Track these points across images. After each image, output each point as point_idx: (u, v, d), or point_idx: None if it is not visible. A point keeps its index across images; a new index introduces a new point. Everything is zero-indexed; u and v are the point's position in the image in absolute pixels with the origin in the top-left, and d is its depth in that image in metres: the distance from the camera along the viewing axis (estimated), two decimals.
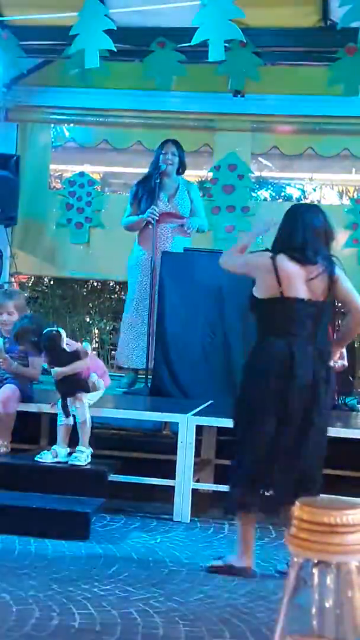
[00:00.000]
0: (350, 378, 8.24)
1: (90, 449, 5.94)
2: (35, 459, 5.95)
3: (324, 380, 4.69)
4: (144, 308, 7.61)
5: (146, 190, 7.73)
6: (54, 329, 6.00)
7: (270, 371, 4.66)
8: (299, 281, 4.66)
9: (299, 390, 4.62)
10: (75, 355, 5.94)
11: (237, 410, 4.89)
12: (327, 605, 0.82)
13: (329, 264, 4.71)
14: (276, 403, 4.64)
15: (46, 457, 5.92)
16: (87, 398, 6.00)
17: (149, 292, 7.52)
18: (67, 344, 5.97)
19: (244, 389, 4.86)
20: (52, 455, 5.93)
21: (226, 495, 4.91)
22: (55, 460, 5.92)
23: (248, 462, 4.71)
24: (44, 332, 5.94)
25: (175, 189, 7.83)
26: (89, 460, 5.92)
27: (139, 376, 7.82)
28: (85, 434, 5.94)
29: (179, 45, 7.87)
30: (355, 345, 8.99)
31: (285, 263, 4.69)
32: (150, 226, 7.60)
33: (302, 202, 5.45)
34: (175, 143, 7.88)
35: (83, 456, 5.86)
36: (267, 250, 4.87)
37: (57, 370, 5.92)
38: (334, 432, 5.87)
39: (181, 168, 7.90)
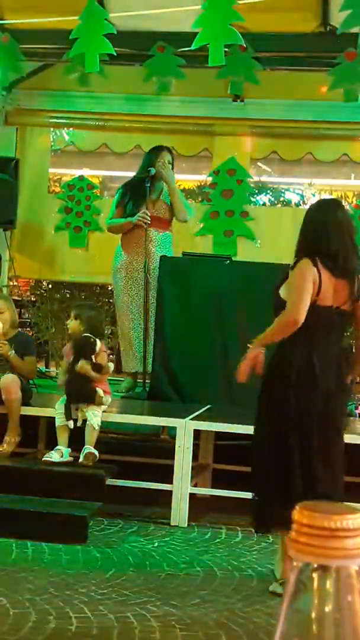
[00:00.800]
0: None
1: (96, 451, 5.98)
2: (44, 458, 5.98)
3: (342, 390, 4.63)
4: (136, 312, 7.60)
5: (133, 194, 7.73)
6: (92, 337, 6.22)
7: (294, 381, 4.49)
8: (330, 288, 4.50)
9: (322, 401, 4.51)
10: (97, 368, 6.15)
11: (266, 423, 4.65)
12: (326, 609, 0.83)
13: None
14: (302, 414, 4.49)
15: (54, 457, 5.95)
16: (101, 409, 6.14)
17: (140, 297, 7.51)
18: (97, 354, 6.17)
19: (269, 402, 4.63)
20: (58, 455, 5.96)
21: (259, 515, 4.64)
22: (62, 459, 5.95)
23: (279, 477, 4.50)
24: (83, 336, 6.22)
25: (159, 193, 7.83)
26: (97, 457, 5.96)
27: (138, 381, 7.83)
28: (93, 438, 6.00)
29: (179, 50, 7.87)
30: (354, 351, 8.99)
31: (324, 271, 4.48)
32: (137, 229, 7.60)
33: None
34: (170, 151, 7.90)
35: (93, 453, 5.91)
36: (302, 254, 4.56)
37: (82, 364, 6.11)
38: None
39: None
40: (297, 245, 4.63)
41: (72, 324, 6.35)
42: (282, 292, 4.57)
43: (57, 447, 6.04)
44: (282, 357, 4.56)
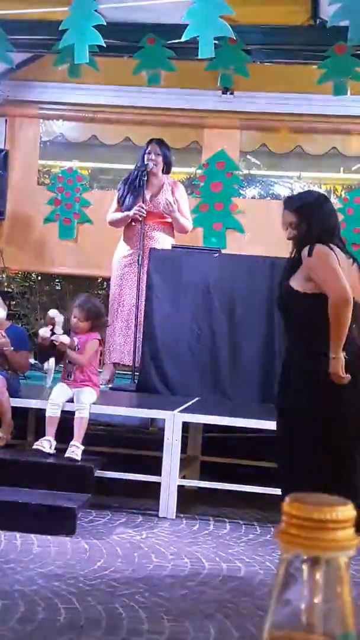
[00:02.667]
0: None
1: (82, 447, 6.00)
2: (35, 447, 6.00)
3: None
4: (129, 305, 7.62)
5: (130, 188, 7.74)
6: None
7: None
8: (349, 277, 4.45)
9: None
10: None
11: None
12: (316, 600, 0.84)
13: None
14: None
15: (45, 446, 5.96)
16: (90, 398, 6.17)
17: (135, 289, 7.53)
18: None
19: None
20: (48, 445, 5.98)
21: None
22: (51, 450, 5.97)
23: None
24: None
25: (159, 187, 7.84)
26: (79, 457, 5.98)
27: (118, 371, 7.89)
28: (82, 430, 6.01)
29: (169, 42, 7.86)
30: None
31: (341, 258, 4.49)
32: (133, 223, 7.63)
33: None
34: (160, 142, 7.89)
35: (79, 451, 5.92)
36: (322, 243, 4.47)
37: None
38: None
39: (166, 167, 7.91)
40: (305, 235, 4.51)
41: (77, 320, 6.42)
42: (296, 283, 4.42)
43: (46, 437, 6.05)
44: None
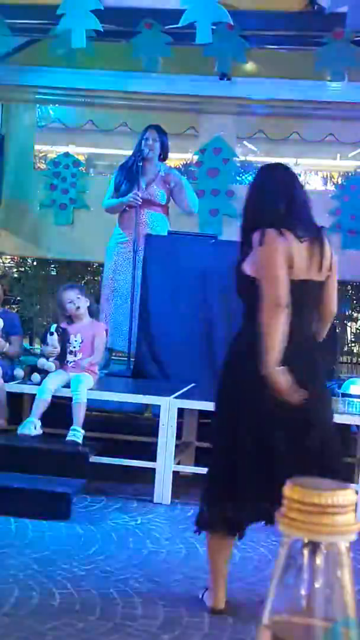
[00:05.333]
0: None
1: (83, 431, 6.01)
2: (19, 431, 5.99)
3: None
4: (124, 290, 7.62)
5: (126, 175, 7.73)
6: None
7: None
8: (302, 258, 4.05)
9: None
10: None
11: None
12: (316, 585, 0.84)
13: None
14: None
15: (29, 429, 5.97)
16: (87, 383, 6.21)
17: (129, 275, 7.52)
18: None
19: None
20: (33, 427, 5.99)
21: None
22: (37, 432, 5.99)
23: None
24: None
25: (155, 174, 7.83)
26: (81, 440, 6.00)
27: (113, 357, 7.89)
28: (81, 415, 6.03)
29: (166, 27, 7.84)
30: (337, 331, 9.04)
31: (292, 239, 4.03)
32: (128, 209, 7.63)
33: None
34: (158, 129, 7.87)
35: (80, 435, 5.94)
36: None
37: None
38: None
39: (163, 154, 7.89)
40: (245, 222, 4.17)
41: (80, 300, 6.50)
42: (249, 267, 4.02)
43: (30, 419, 6.06)
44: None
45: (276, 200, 4.06)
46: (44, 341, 6.45)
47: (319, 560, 0.88)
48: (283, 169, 4.33)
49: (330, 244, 4.09)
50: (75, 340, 6.42)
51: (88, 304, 6.54)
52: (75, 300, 6.44)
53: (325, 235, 4.12)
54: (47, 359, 6.31)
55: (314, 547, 0.88)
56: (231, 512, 3.96)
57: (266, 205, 4.07)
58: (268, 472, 3.77)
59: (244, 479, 3.91)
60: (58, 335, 6.33)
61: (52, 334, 6.32)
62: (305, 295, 4.00)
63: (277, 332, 3.80)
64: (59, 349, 6.31)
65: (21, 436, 6.02)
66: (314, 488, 0.88)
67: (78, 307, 6.44)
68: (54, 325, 6.44)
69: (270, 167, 4.37)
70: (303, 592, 0.89)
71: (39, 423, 6.07)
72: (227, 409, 4.09)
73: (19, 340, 6.80)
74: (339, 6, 7.00)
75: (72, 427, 6.00)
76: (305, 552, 0.89)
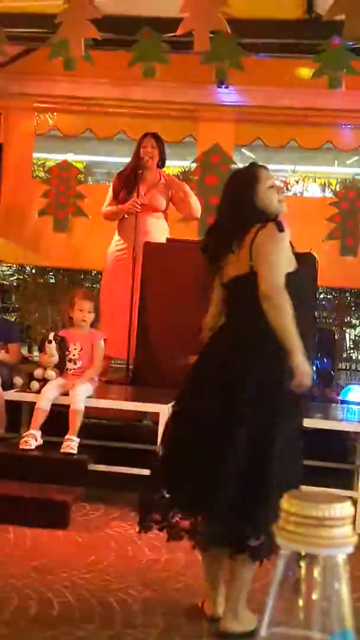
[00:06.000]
0: (331, 370, 8.30)
1: (78, 439, 6.01)
2: (22, 447, 5.98)
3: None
4: (123, 297, 7.62)
5: (125, 182, 7.74)
6: None
7: None
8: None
9: None
10: None
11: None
12: (314, 597, 0.84)
13: None
14: None
15: (30, 444, 5.97)
16: (86, 391, 6.22)
17: (127, 282, 7.53)
18: None
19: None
20: (34, 440, 6.00)
21: None
22: (37, 443, 5.99)
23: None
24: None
25: (155, 182, 7.84)
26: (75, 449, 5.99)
27: (111, 365, 7.90)
28: (77, 423, 6.02)
29: (165, 35, 7.84)
30: (336, 337, 9.05)
31: None
32: (127, 216, 7.63)
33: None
34: (155, 136, 7.89)
35: (74, 445, 5.93)
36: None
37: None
38: (312, 423, 5.93)
39: (161, 161, 7.91)
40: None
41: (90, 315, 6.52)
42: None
43: (31, 431, 6.06)
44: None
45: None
46: (41, 349, 6.46)
47: (316, 572, 0.88)
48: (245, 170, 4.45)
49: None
50: (75, 349, 6.44)
51: (93, 319, 6.57)
52: (87, 313, 6.48)
53: None
54: (45, 368, 6.31)
55: (312, 559, 0.89)
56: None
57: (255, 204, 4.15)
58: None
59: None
60: (56, 343, 6.34)
61: (50, 342, 6.33)
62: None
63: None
64: (57, 357, 6.32)
65: (22, 448, 6.01)
66: (312, 501, 0.89)
67: (84, 320, 6.48)
68: (52, 334, 6.46)
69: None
70: (301, 604, 0.89)
71: (39, 434, 6.07)
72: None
73: (16, 348, 6.81)
74: (336, 14, 7.01)
75: (66, 437, 5.98)
76: (303, 564, 0.89)
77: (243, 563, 3.85)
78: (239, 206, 4.18)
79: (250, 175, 4.24)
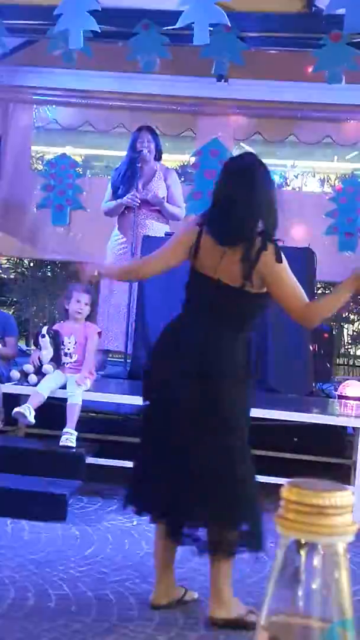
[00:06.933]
0: (328, 365, 8.30)
1: (76, 432, 6.00)
2: (14, 411, 5.97)
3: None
4: (122, 291, 7.62)
5: (123, 177, 7.72)
6: None
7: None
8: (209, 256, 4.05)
9: None
10: None
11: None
12: (313, 586, 0.83)
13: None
14: None
15: (24, 409, 5.93)
16: (85, 385, 6.20)
17: None
18: None
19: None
20: (28, 411, 5.93)
21: None
22: (30, 418, 5.95)
23: None
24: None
25: (152, 175, 7.82)
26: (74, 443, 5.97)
27: (110, 358, 7.90)
28: (75, 416, 6.01)
29: (164, 28, 7.83)
30: (334, 333, 9.04)
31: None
32: (130, 213, 7.62)
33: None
34: (149, 129, 7.88)
35: (73, 438, 5.92)
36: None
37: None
38: (310, 417, 5.93)
39: (157, 154, 7.90)
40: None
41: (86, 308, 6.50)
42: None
43: (27, 404, 6.02)
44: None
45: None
46: (35, 344, 6.45)
47: (316, 561, 0.88)
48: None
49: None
50: (69, 342, 6.43)
51: (89, 313, 6.57)
52: (83, 305, 6.46)
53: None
54: (41, 365, 6.30)
55: (312, 548, 0.88)
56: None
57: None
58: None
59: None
60: (50, 337, 6.33)
61: (43, 336, 6.32)
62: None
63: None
64: (51, 350, 6.31)
65: (15, 414, 5.96)
66: (312, 489, 0.88)
67: (80, 312, 6.46)
68: (45, 328, 6.45)
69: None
70: (300, 593, 0.88)
71: (33, 412, 6.01)
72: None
73: (13, 341, 6.81)
74: (337, 8, 7.00)
75: (64, 430, 5.98)
76: (303, 553, 0.88)
77: (221, 556, 3.95)
78: (270, 203, 4.03)
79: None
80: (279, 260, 3.88)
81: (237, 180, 4.04)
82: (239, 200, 3.96)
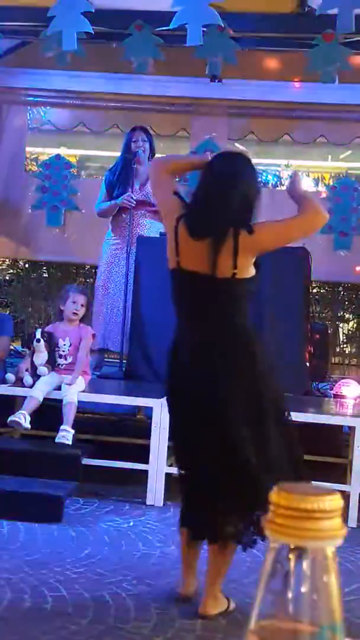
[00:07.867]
0: (324, 364, 8.30)
1: (73, 431, 6.00)
2: (9, 419, 5.96)
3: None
4: (117, 292, 7.62)
5: (119, 177, 7.72)
6: None
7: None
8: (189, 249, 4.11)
9: None
10: None
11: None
12: (303, 590, 0.84)
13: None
14: None
15: (19, 418, 5.93)
16: (79, 385, 6.23)
17: (122, 277, 7.52)
18: None
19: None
20: (24, 418, 5.94)
21: None
22: (26, 425, 5.95)
23: None
24: None
25: (147, 175, 7.82)
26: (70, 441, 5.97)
27: (105, 359, 7.89)
28: (71, 415, 6.02)
29: (157, 29, 7.83)
30: (329, 332, 9.05)
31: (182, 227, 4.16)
32: (124, 214, 7.62)
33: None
34: (143, 129, 7.88)
35: (69, 435, 5.92)
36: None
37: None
38: (305, 417, 5.94)
39: (151, 154, 7.90)
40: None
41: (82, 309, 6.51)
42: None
43: (22, 411, 6.03)
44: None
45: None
46: (28, 346, 6.45)
47: (305, 565, 0.88)
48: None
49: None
50: (64, 344, 6.43)
51: (84, 314, 6.58)
52: (79, 306, 6.46)
53: None
54: (38, 369, 6.31)
55: (301, 552, 0.89)
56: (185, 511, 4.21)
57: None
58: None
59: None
60: (44, 340, 6.33)
61: (38, 341, 6.31)
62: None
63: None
64: (46, 354, 6.32)
65: (11, 422, 5.97)
66: (300, 493, 0.89)
67: (75, 313, 6.46)
68: (39, 331, 6.44)
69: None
70: (290, 597, 0.89)
71: (29, 418, 6.02)
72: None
73: (6, 340, 6.80)
74: (329, 8, 7.01)
75: (61, 427, 5.98)
76: (292, 557, 0.89)
77: (226, 550, 4.00)
78: (251, 198, 4.13)
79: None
80: (251, 231, 3.96)
81: (216, 178, 4.19)
82: (215, 199, 4.12)
